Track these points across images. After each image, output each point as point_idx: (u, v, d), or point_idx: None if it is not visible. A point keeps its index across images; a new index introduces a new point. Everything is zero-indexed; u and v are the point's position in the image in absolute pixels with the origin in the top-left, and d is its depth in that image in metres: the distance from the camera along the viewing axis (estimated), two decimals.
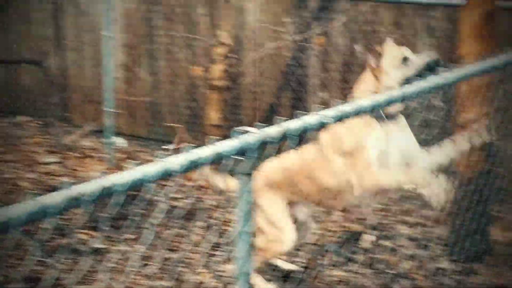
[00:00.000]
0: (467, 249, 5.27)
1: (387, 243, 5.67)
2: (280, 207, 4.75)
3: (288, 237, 4.70)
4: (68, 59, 8.51)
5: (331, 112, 2.89)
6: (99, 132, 7.39)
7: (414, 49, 4.82)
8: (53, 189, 2.54)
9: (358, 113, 2.97)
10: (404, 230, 5.92)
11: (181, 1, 7.46)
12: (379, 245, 5.64)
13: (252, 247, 2.65)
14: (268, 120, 2.86)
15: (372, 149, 4.46)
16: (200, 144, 2.53)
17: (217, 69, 6.66)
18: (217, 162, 2.52)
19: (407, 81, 4.41)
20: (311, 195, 4.70)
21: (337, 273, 5.19)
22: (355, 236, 5.74)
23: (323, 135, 4.52)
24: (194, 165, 2.38)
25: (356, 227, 5.91)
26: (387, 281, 5.09)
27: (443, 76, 3.56)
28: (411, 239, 5.73)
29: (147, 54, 7.87)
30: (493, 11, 5.21)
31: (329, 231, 5.80)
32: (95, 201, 2.04)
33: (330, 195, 4.65)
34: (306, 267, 5.20)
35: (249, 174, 2.60)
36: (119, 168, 7.00)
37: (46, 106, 8.33)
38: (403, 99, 3.33)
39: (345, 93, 3.32)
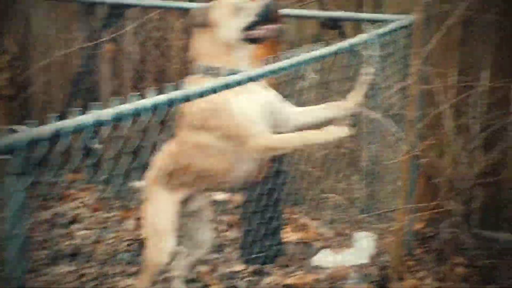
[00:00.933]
0: (260, 251, 5.29)
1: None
2: (166, 206, 4.12)
3: (166, 244, 4.09)
4: None
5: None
6: None
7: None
8: None
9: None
10: None
11: None
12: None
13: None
14: None
15: (241, 113, 3.92)
16: None
17: (2, 78, 6.42)
18: None
19: (249, 28, 3.95)
20: (201, 181, 4.10)
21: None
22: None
23: (185, 116, 4.02)
24: None
25: None
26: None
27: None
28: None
29: None
30: None
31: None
32: None
33: (219, 175, 4.07)
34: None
35: (21, 174, 2.44)
36: None
37: None
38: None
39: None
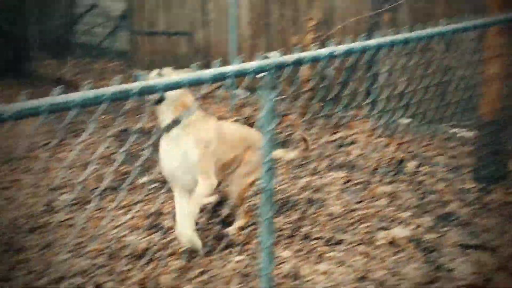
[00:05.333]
0: (488, 174, 5.72)
1: (426, 168, 6.20)
2: None
3: None
4: (210, 32, 9.29)
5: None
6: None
7: None
8: None
9: None
10: (441, 159, 6.44)
11: None
12: (419, 170, 6.19)
13: (273, 141, 2.85)
14: None
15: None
16: None
17: (309, 37, 7.27)
18: (240, 76, 2.59)
19: None
20: None
21: (385, 188, 5.75)
22: (403, 163, 6.27)
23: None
24: (221, 77, 2.49)
25: (404, 156, 6.43)
26: (420, 196, 5.60)
27: None
28: (445, 166, 6.25)
29: (264, 27, 8.52)
30: None
31: (384, 158, 6.38)
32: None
33: None
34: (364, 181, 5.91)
35: (271, 88, 2.75)
36: (237, 111, 8.06)
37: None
38: None
39: None
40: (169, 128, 4.42)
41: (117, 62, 10.37)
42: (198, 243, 4.54)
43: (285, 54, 2.87)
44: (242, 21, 8.49)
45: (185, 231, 4.49)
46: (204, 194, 4.50)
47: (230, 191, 4.91)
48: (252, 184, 4.94)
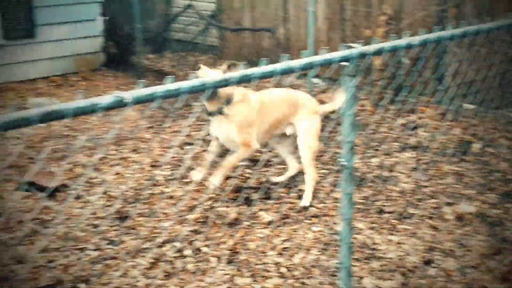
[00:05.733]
0: None
1: (490, 150, 6.03)
2: None
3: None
4: (290, 27, 9.22)
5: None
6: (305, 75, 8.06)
7: None
8: None
9: None
10: (504, 142, 6.21)
11: None
12: (484, 151, 6.01)
13: (354, 124, 2.81)
14: None
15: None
16: None
17: (381, 31, 7.16)
18: (327, 65, 2.56)
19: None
20: None
21: (452, 167, 5.64)
22: (468, 145, 6.11)
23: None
24: (310, 66, 2.49)
25: (469, 138, 6.28)
26: (485, 175, 5.49)
27: None
28: (508, 148, 6.04)
29: (339, 22, 8.42)
30: None
31: (451, 140, 6.24)
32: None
33: None
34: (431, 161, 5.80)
35: (352, 76, 2.71)
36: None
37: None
38: None
39: None
40: (214, 114, 4.85)
41: (208, 55, 10.48)
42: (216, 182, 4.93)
43: (365, 45, 2.84)
44: (319, 17, 8.42)
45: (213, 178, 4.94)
46: (242, 157, 4.99)
47: (302, 162, 5.10)
48: (315, 148, 5.06)
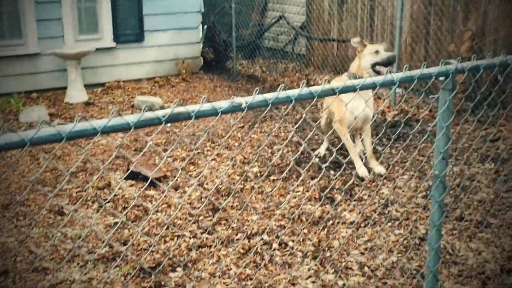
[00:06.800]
0: None
1: None
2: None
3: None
4: (374, 39, 8.85)
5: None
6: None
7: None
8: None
9: None
10: None
11: (446, 3, 7.65)
12: None
13: (448, 136, 2.65)
14: None
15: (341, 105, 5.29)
16: None
17: (465, 46, 6.90)
18: (425, 79, 2.48)
19: (375, 64, 5.30)
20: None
21: None
22: None
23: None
24: (410, 79, 2.39)
25: None
26: None
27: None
28: None
29: (423, 36, 8.10)
30: None
31: None
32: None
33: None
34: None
35: (449, 90, 2.58)
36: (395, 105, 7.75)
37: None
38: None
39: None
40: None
41: (296, 63, 10.42)
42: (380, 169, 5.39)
43: (461, 62, 2.68)
44: (404, 30, 8.17)
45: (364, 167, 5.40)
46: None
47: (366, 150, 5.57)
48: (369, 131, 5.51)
